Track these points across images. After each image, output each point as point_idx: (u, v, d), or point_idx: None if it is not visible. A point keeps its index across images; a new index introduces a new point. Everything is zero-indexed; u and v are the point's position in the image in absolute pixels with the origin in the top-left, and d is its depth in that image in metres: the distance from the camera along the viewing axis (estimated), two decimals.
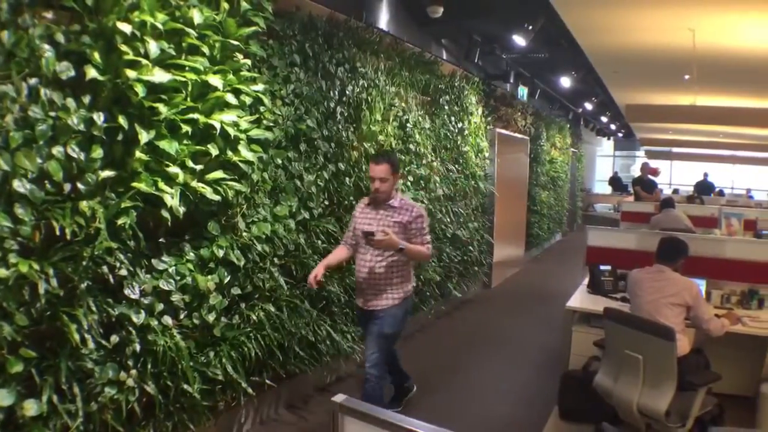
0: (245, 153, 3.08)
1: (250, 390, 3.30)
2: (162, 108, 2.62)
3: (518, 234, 9.36)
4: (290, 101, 3.69)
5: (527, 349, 5.52)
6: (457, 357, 5.22)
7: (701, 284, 4.19)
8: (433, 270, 5.67)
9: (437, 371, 4.85)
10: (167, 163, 2.68)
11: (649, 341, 2.94)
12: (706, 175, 15.40)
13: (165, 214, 2.69)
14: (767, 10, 4.34)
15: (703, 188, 14.37)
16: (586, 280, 4.65)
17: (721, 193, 15.14)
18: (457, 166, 6.35)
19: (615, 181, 18.12)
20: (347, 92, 4.30)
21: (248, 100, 3.15)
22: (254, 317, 3.39)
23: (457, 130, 6.33)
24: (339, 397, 1.38)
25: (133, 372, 2.67)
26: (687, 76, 6.57)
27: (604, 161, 23.13)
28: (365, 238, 3.22)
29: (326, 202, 4.05)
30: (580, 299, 4.29)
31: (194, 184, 2.81)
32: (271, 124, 3.43)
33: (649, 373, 2.97)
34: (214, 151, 2.86)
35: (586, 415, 3.71)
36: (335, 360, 4.27)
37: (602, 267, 4.51)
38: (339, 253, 3.57)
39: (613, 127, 17.07)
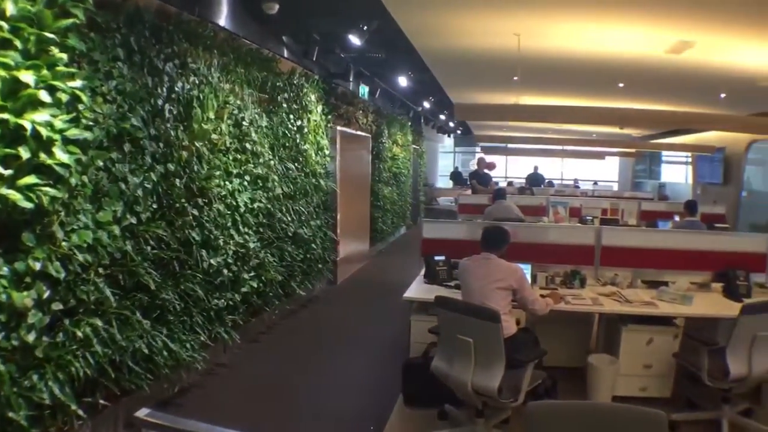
0: (61, 155, 2.91)
1: (81, 412, 3.13)
2: None
3: (362, 229, 9.65)
4: (112, 98, 3.50)
5: (372, 341, 5.77)
6: (303, 355, 5.32)
7: (527, 268, 4.63)
8: (275, 270, 5.71)
9: (283, 372, 4.92)
10: None
11: (477, 324, 3.21)
12: (536, 168, 16.78)
13: None
14: (585, 18, 4.81)
15: (534, 180, 15.70)
16: (423, 271, 4.91)
17: (550, 184, 16.62)
18: (296, 164, 6.42)
19: (456, 176, 19.27)
20: (177, 89, 4.18)
21: (65, 98, 2.97)
22: (80, 333, 3.19)
23: (296, 128, 6.39)
24: (142, 412, 1.35)
25: None
26: (516, 78, 7.14)
27: (446, 157, 24.40)
28: None
29: (155, 206, 3.90)
30: (416, 289, 4.52)
31: (3, 191, 2.62)
32: (91, 123, 3.25)
33: (480, 355, 3.23)
34: (25, 154, 2.67)
35: (428, 400, 3.93)
36: (175, 371, 4.16)
37: (437, 257, 4.79)
38: None
39: (451, 124, 18.06)
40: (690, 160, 13.93)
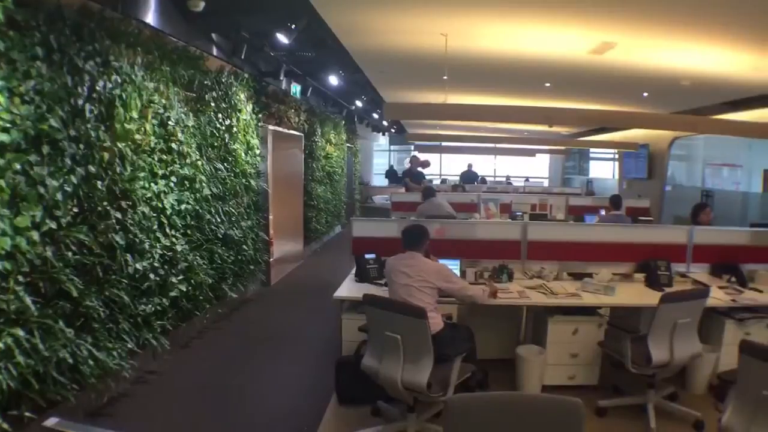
0: None
1: (6, 426, 3.07)
2: None
3: (296, 229, 9.66)
4: (30, 99, 3.41)
5: (306, 342, 5.82)
6: (236, 359, 5.31)
7: (456, 264, 4.79)
8: (205, 273, 5.67)
9: (215, 376, 4.90)
10: None
11: (405, 321, 3.30)
12: (470, 165, 17.13)
13: None
14: (510, 19, 4.96)
15: (468, 177, 16.04)
16: (354, 270, 4.97)
17: (483, 181, 17.03)
18: (225, 164, 6.38)
19: (391, 174, 19.44)
20: (98, 88, 4.09)
21: None
22: (1, 345, 3.11)
23: (224, 128, 6.35)
24: (50, 421, 1.32)
25: None
26: (446, 77, 7.28)
27: (382, 155, 24.57)
28: None
29: (76, 210, 3.81)
30: (347, 288, 4.59)
31: None
32: (8, 125, 3.17)
33: (408, 351, 3.32)
34: None
35: (361, 397, 4.02)
36: (103, 381, 4.08)
37: (367, 255, 4.87)
38: None
39: (385, 123, 18.21)
40: (617, 156, 14.53)
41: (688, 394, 4.41)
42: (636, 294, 4.66)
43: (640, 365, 3.80)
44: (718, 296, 4.50)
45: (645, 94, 8.50)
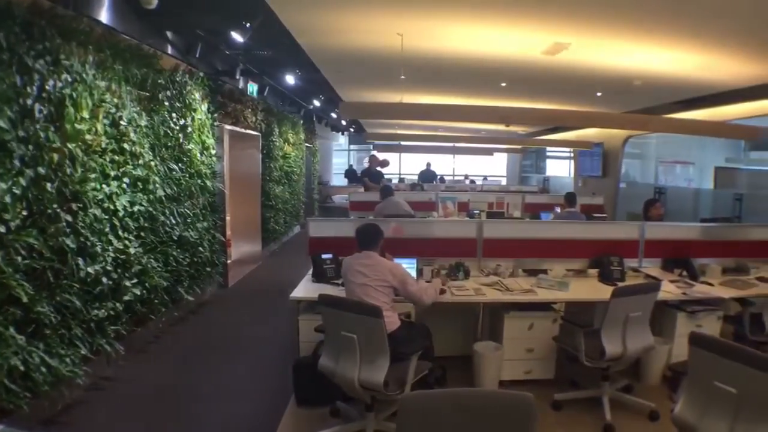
0: None
1: None
2: None
3: (253, 230, 9.61)
4: None
5: (265, 343, 5.80)
6: (194, 363, 5.27)
7: (412, 263, 4.84)
8: (160, 275, 5.61)
9: (172, 381, 4.86)
10: None
11: (360, 321, 3.33)
12: (429, 164, 17.27)
13: None
14: (465, 20, 5.01)
15: (426, 176, 16.17)
16: (311, 270, 4.98)
17: (442, 180, 17.20)
18: (180, 165, 6.31)
19: (350, 174, 19.46)
20: (48, 87, 4.01)
21: None
22: None
23: (179, 128, 6.28)
24: None
25: None
26: (403, 77, 7.33)
27: (341, 155, 24.59)
28: None
29: (25, 213, 3.73)
30: (304, 289, 4.59)
31: None
32: None
33: (364, 350, 3.36)
34: None
35: (320, 398, 4.05)
36: (56, 388, 4.00)
37: (324, 256, 4.88)
38: None
39: (344, 122, 18.22)
40: (572, 155, 14.83)
41: (642, 386, 4.55)
42: (589, 289, 4.79)
43: (594, 358, 3.91)
44: (670, 290, 4.66)
45: (599, 94, 8.70)
